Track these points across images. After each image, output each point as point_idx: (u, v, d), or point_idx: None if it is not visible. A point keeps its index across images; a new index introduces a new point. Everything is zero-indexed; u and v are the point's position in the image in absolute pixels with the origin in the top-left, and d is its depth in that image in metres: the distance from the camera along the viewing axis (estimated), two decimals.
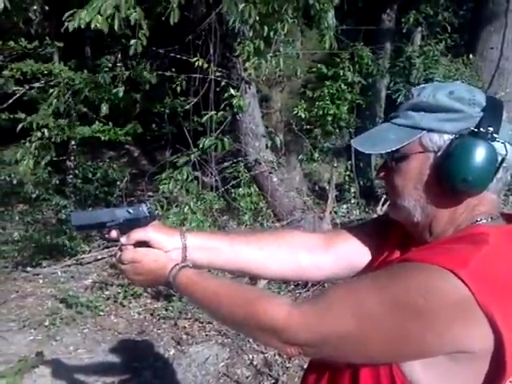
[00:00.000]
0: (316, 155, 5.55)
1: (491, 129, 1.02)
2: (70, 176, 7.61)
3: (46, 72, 6.37)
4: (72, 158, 7.94)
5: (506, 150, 1.04)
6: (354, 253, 1.31)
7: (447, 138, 1.05)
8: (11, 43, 6.28)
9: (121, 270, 1.31)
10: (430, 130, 1.06)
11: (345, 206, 5.84)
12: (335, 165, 6.17)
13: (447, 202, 1.08)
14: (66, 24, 3.56)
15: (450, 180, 1.03)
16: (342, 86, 5.62)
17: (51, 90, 5.05)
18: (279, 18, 3.98)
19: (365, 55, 5.68)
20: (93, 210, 1.53)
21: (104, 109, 5.06)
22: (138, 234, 1.28)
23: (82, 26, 3.48)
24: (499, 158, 1.02)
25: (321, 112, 5.57)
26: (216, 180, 4.81)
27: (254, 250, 1.33)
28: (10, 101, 6.52)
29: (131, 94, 6.51)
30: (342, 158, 7.21)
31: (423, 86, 1.15)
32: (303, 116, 5.57)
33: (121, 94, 4.72)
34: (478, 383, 0.97)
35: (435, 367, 0.96)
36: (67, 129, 5.49)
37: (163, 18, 3.85)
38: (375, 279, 1.04)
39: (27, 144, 4.91)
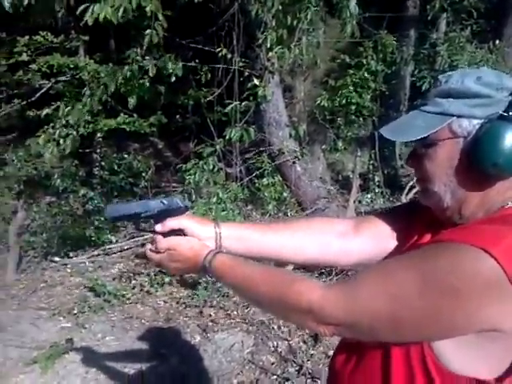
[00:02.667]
0: (339, 144, 5.53)
1: None
2: (97, 168, 7.72)
3: (72, 66, 6.49)
4: (98, 150, 8.05)
5: None
6: (383, 237, 1.33)
7: (476, 123, 1.06)
8: (38, 38, 6.40)
9: (155, 260, 1.35)
10: (460, 116, 1.07)
11: (369, 196, 5.81)
12: (359, 154, 6.14)
13: (478, 186, 1.09)
14: (86, 18, 3.62)
15: (480, 164, 1.04)
16: (366, 74, 5.57)
17: (84, 89, 5.11)
18: (302, 6, 3.97)
19: (388, 43, 5.62)
20: (127, 202, 1.58)
21: (132, 102, 5.12)
22: (173, 223, 1.32)
23: (100, 20, 3.53)
24: None
25: (344, 101, 5.54)
26: (240, 170, 4.84)
27: (285, 236, 1.37)
28: (38, 94, 6.64)
29: (156, 85, 6.57)
30: (365, 147, 7.16)
31: (450, 72, 1.16)
32: (326, 105, 5.54)
33: (147, 86, 4.76)
34: (509, 361, 0.98)
35: (466, 346, 0.98)
36: (93, 123, 5.55)
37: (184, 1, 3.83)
38: (407, 259, 1.07)
39: (50, 130, 4.98)
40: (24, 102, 6.76)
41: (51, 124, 5.15)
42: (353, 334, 1.09)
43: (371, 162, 5.96)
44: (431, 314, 0.97)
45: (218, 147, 4.57)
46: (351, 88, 5.56)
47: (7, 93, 7.14)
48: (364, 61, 5.68)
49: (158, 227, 1.34)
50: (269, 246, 1.36)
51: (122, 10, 3.69)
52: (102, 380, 3.67)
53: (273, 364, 3.71)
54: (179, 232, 1.33)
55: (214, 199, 4.17)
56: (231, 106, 4.65)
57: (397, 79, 5.99)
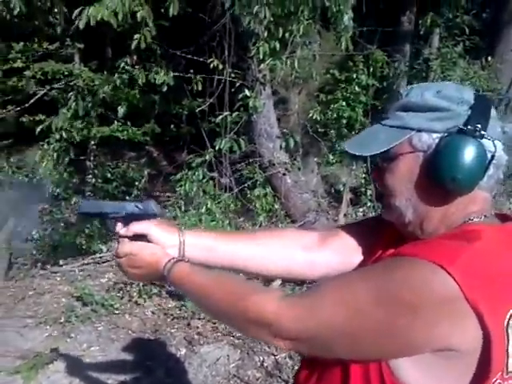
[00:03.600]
0: (331, 157, 5.52)
1: (479, 126, 1.01)
2: (90, 176, 7.71)
3: (66, 73, 6.49)
4: (92, 158, 8.04)
5: (495, 147, 1.03)
6: (349, 251, 1.31)
7: (436, 136, 1.04)
8: (33, 44, 6.41)
9: (117, 263, 1.33)
10: (420, 130, 1.06)
11: (361, 210, 5.80)
12: (353, 167, 6.14)
13: (438, 201, 1.07)
14: (77, 22, 3.63)
15: (439, 179, 1.03)
16: (357, 88, 5.59)
17: (70, 94, 5.13)
18: (295, 19, 3.98)
19: (379, 58, 5.64)
20: (105, 201, 1.56)
21: (121, 110, 5.12)
22: (138, 227, 1.30)
23: (91, 23, 3.53)
24: (488, 155, 1.02)
25: (335, 115, 5.54)
26: (231, 181, 4.83)
27: (249, 248, 1.35)
28: (32, 101, 6.64)
29: (150, 95, 6.58)
30: (360, 160, 7.16)
31: (411, 86, 1.16)
32: (318, 119, 5.55)
33: (137, 96, 4.76)
34: (465, 381, 0.96)
35: (423, 365, 0.96)
36: (86, 130, 5.55)
37: (162, 10, 3.87)
38: (365, 273, 1.06)
39: (45, 146, 5.00)
40: (18, 109, 6.75)
41: (46, 140, 5.17)
42: (309, 349, 1.07)
43: (364, 175, 5.94)
44: (386, 330, 0.95)
45: (207, 157, 4.55)
46: (342, 102, 5.57)
47: (2, 99, 7.12)
48: (354, 75, 5.69)
49: (122, 231, 1.32)
50: (231, 256, 1.34)
51: (120, 12, 3.69)
52: None
53: (258, 379, 3.67)
54: (143, 238, 1.31)
55: (203, 210, 4.15)
56: (221, 116, 4.64)
57: (389, 93, 6.01)
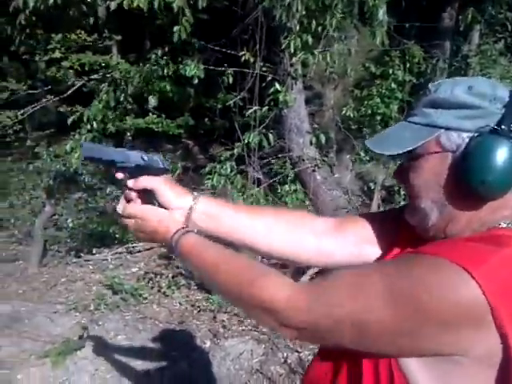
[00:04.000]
0: (362, 155, 5.42)
1: None
2: None
3: (103, 64, 6.59)
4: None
5: None
6: (365, 242, 1.24)
7: (466, 136, 0.98)
8: (71, 36, 6.53)
9: (123, 222, 1.27)
10: (448, 128, 1.00)
11: None
12: (388, 165, 6.03)
13: (466, 205, 1.00)
14: (108, 2, 3.64)
15: (468, 181, 0.96)
16: (392, 84, 5.45)
17: (102, 85, 5.18)
18: (328, 13, 3.91)
19: (416, 53, 5.49)
20: (107, 146, 1.44)
21: (152, 101, 5.15)
22: (147, 182, 1.23)
23: (125, 5, 3.53)
24: None
25: (369, 111, 5.43)
26: (258, 177, 4.80)
27: (257, 222, 1.28)
28: (70, 91, 6.76)
29: (184, 88, 6.62)
30: (397, 159, 7.02)
31: (440, 81, 1.09)
32: (352, 115, 5.45)
33: (168, 87, 4.78)
34: None
35: (434, 368, 0.92)
36: (118, 120, 5.62)
37: (191, 2, 3.85)
38: (381, 267, 1.01)
39: (76, 136, 5.07)
40: (57, 99, 6.89)
41: (77, 130, 5.24)
42: (315, 339, 1.05)
43: None
44: (397, 328, 0.91)
45: (236, 151, 4.53)
46: (377, 99, 5.45)
47: (42, 89, 7.29)
48: (390, 70, 5.55)
49: (131, 182, 1.24)
50: (237, 228, 1.27)
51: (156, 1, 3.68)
52: (109, 379, 3.69)
53: (281, 375, 3.66)
54: (150, 193, 1.24)
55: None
56: (251, 110, 4.61)
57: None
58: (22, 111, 6.95)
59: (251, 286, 1.05)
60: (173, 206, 1.25)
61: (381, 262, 1.06)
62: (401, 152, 1.04)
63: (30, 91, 7.49)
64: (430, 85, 1.09)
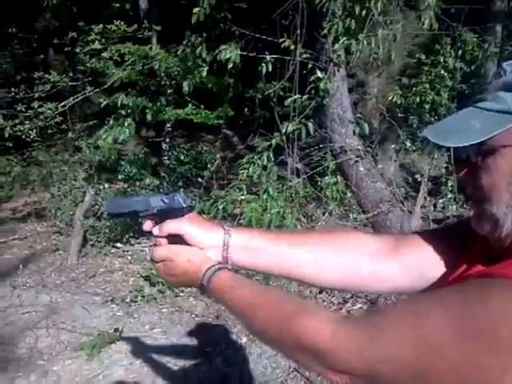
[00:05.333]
0: (408, 145, 5.16)
1: None
2: (165, 157, 7.80)
3: (143, 55, 6.54)
4: (168, 140, 8.13)
5: None
6: (426, 263, 1.07)
7: None
8: (111, 26, 6.50)
9: (154, 267, 1.19)
10: None
11: (440, 201, 5.43)
12: (434, 156, 5.77)
13: None
14: None
15: None
16: (442, 72, 5.15)
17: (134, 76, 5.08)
18: None
19: (469, 40, 5.16)
20: (128, 197, 1.42)
21: (186, 88, 5.04)
22: (171, 226, 1.14)
23: None
24: None
25: (418, 99, 5.15)
26: (297, 168, 4.62)
27: (303, 251, 1.13)
28: (110, 83, 6.74)
29: (223, 78, 6.51)
30: (443, 149, 6.73)
31: None
32: (398, 102, 5.19)
33: (204, 74, 4.64)
34: None
35: None
36: (157, 111, 5.56)
37: None
38: (446, 297, 0.82)
39: (111, 122, 5.04)
40: (97, 90, 6.90)
41: (112, 116, 5.22)
42: None
43: (446, 164, 5.54)
44: (470, 372, 0.74)
45: (273, 141, 4.36)
46: (426, 86, 5.16)
47: (83, 80, 7.32)
48: (441, 58, 5.24)
49: (155, 230, 1.16)
50: (282, 261, 1.13)
51: None
52: (144, 373, 3.63)
53: (319, 376, 3.50)
54: (179, 236, 1.15)
55: (265, 196, 3.97)
56: (291, 99, 4.42)
57: (478, 78, 5.51)
58: (63, 103, 7.00)
59: (291, 327, 0.90)
60: (204, 245, 1.14)
61: (442, 292, 0.86)
62: (468, 144, 0.85)
63: (72, 83, 7.54)
64: (504, 64, 0.89)
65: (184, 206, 1.16)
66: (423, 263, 1.07)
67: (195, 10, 3.91)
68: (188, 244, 1.14)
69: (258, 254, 1.14)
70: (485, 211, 0.88)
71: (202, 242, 1.13)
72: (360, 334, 0.83)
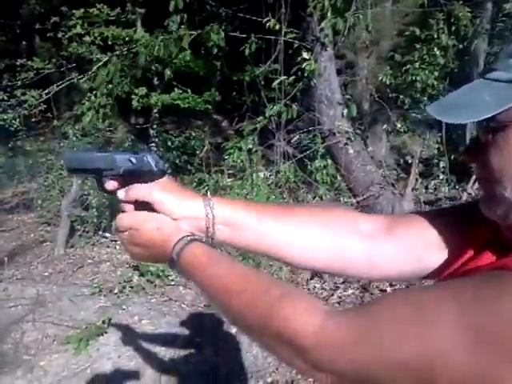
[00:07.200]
0: (398, 125, 5.05)
1: None
2: (153, 144, 7.68)
3: (127, 38, 6.38)
4: (155, 126, 7.99)
5: None
6: (425, 246, 0.95)
7: None
8: (93, 10, 6.33)
9: (119, 238, 1.03)
10: None
11: (432, 183, 5.35)
12: (427, 137, 5.68)
13: None
14: None
15: None
16: (435, 49, 5.01)
17: (108, 55, 4.96)
18: None
19: (462, 15, 5.02)
20: (91, 151, 1.18)
21: (168, 72, 4.91)
22: (139, 192, 0.99)
23: None
24: None
25: (409, 78, 5.03)
26: (286, 152, 4.50)
27: (288, 228, 1.00)
28: (95, 68, 6.57)
29: (211, 61, 6.38)
30: (434, 129, 6.63)
31: None
32: (388, 82, 5.06)
33: (187, 58, 4.51)
34: None
35: None
36: (142, 96, 5.43)
37: None
38: (456, 290, 0.70)
39: (92, 98, 4.92)
40: (81, 76, 6.73)
41: (94, 92, 5.09)
42: None
43: (437, 145, 5.44)
44: (479, 376, 0.63)
45: (258, 125, 4.23)
46: (417, 64, 5.03)
47: (66, 67, 7.14)
48: (435, 34, 5.09)
49: (121, 193, 1.01)
50: (264, 238, 0.99)
51: None
52: (133, 366, 3.55)
53: None
54: (147, 206, 0.99)
55: (249, 182, 3.86)
56: (277, 81, 4.28)
57: (468, 55, 5.38)
58: (46, 90, 6.83)
59: (269, 313, 0.79)
60: (177, 216, 0.98)
61: (448, 284, 0.76)
62: (478, 120, 0.75)
63: (56, 70, 7.36)
64: None
65: (155, 169, 1.00)
66: (422, 246, 0.95)
67: None
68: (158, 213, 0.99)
69: (239, 230, 0.99)
70: (496, 194, 0.77)
71: (175, 211, 0.98)
72: (352, 329, 0.72)
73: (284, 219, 1.02)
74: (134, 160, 0.99)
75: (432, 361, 0.65)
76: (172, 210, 0.97)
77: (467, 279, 0.73)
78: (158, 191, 0.98)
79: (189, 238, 0.95)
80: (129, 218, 1.00)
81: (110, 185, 1.01)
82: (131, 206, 1.01)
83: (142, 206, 1.00)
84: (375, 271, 1.00)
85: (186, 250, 0.93)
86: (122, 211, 1.02)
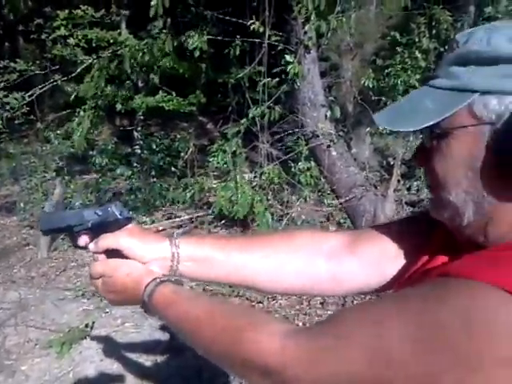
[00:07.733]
0: (381, 128, 5.10)
1: None
2: (137, 146, 7.66)
3: (111, 40, 6.36)
4: (139, 128, 7.97)
5: None
6: (384, 257, 0.98)
7: (509, 101, 0.70)
8: (78, 12, 6.29)
9: (93, 285, 1.07)
10: (485, 92, 0.72)
11: (415, 184, 5.39)
12: (410, 139, 5.73)
13: None
14: None
15: None
16: (417, 53, 5.08)
17: (94, 61, 4.95)
18: None
19: (443, 19, 5.08)
20: (62, 212, 1.28)
21: (154, 78, 4.91)
22: (107, 241, 1.04)
23: None
24: None
25: (391, 81, 5.09)
26: (270, 154, 4.52)
27: (256, 258, 1.05)
28: (78, 70, 6.55)
29: (196, 64, 6.38)
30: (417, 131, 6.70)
31: (471, 29, 0.78)
32: (371, 86, 5.12)
33: (171, 63, 4.51)
34: None
35: None
36: (125, 99, 5.40)
37: None
38: (405, 302, 0.72)
39: (81, 113, 4.89)
40: (65, 79, 6.69)
41: (83, 107, 5.06)
42: None
43: None
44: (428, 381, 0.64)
45: (241, 128, 4.25)
46: (399, 67, 5.09)
47: (50, 69, 7.09)
48: (416, 38, 5.17)
49: (91, 246, 1.05)
50: (235, 270, 1.04)
51: None
52: (115, 369, 3.54)
53: None
54: (117, 253, 1.04)
55: (232, 184, 3.87)
56: (261, 83, 4.31)
57: None
58: (29, 93, 6.78)
59: (237, 341, 0.81)
60: (146, 259, 1.03)
61: (398, 295, 0.78)
62: (419, 128, 0.76)
63: (40, 72, 7.31)
64: (457, 35, 0.78)
65: (119, 217, 1.05)
66: (384, 260, 0.98)
67: (152, 2, 3.74)
68: (129, 259, 1.03)
69: (207, 264, 1.04)
70: (442, 199, 0.79)
71: (144, 255, 1.02)
72: (311, 347, 0.74)
73: (250, 250, 1.07)
74: (99, 212, 1.05)
75: (383, 370, 0.67)
76: (141, 254, 1.03)
77: (412, 290, 0.74)
78: (125, 238, 1.03)
79: (158, 279, 0.98)
80: (101, 266, 1.04)
81: (82, 240, 1.06)
82: (103, 256, 1.05)
83: (114, 253, 1.04)
84: (340, 288, 1.05)
85: (156, 290, 0.97)
86: (95, 260, 1.06)
